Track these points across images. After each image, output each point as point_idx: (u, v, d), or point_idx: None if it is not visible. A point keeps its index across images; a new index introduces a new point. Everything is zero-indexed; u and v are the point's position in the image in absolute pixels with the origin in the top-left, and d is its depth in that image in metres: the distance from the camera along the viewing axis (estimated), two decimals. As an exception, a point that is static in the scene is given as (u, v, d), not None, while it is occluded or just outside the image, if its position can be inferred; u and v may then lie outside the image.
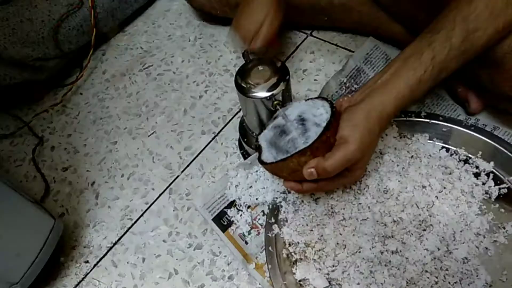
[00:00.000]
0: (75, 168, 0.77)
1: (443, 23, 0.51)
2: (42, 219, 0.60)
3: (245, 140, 0.68)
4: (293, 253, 0.55)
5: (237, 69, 0.60)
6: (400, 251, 0.52)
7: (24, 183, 0.76)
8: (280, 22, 0.68)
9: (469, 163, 0.58)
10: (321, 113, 0.53)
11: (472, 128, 0.59)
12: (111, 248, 0.66)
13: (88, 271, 0.64)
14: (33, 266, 0.58)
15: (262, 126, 0.60)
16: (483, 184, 0.56)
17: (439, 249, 0.51)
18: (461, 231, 0.52)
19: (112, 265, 0.64)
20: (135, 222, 0.68)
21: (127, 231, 0.67)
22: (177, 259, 0.63)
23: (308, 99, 0.55)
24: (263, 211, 0.62)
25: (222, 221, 0.62)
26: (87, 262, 0.65)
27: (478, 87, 0.63)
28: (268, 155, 0.54)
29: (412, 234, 0.53)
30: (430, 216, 0.54)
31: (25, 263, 0.57)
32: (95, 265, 0.65)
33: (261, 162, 0.53)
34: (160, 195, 0.70)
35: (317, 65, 0.82)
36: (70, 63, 0.92)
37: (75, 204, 0.72)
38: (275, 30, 0.68)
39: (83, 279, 0.64)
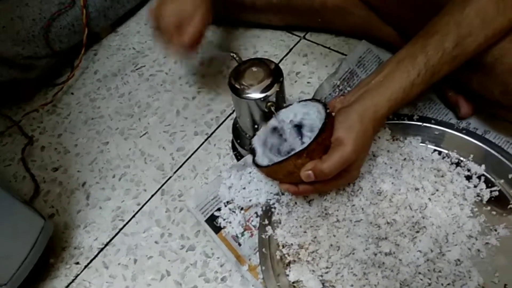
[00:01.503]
0: (66, 168, 0.76)
1: (436, 27, 0.52)
2: (32, 220, 0.59)
3: (238, 141, 0.68)
4: (286, 255, 0.55)
5: (230, 70, 0.60)
6: (394, 253, 0.52)
7: (13, 183, 0.75)
8: (211, 18, 0.64)
9: (461, 166, 0.58)
10: (314, 115, 0.54)
11: (464, 131, 0.60)
12: (102, 249, 0.65)
13: (78, 273, 0.63)
14: (22, 267, 0.57)
15: (256, 128, 0.60)
16: (475, 186, 0.57)
17: (432, 251, 0.52)
18: (453, 233, 0.53)
19: (103, 266, 0.63)
20: (127, 223, 0.67)
21: (118, 232, 0.67)
22: (169, 260, 0.62)
23: (302, 101, 0.56)
24: (256, 212, 0.61)
25: (215, 222, 0.62)
26: (77, 263, 0.64)
27: (468, 92, 0.64)
28: (262, 158, 0.54)
29: (405, 236, 0.53)
30: (423, 218, 0.54)
31: (14, 264, 0.56)
32: (85, 267, 0.64)
33: (256, 165, 0.53)
34: (152, 196, 0.70)
35: (310, 67, 0.82)
36: (61, 63, 0.91)
37: (66, 204, 0.71)
38: (205, 26, 0.63)
39: (73, 280, 0.63)
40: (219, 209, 0.63)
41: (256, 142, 0.56)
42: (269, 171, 0.52)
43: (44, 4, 0.84)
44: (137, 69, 0.89)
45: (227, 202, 0.63)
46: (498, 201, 0.56)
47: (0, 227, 0.55)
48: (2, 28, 0.79)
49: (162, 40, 0.65)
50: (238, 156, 0.70)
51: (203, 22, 0.63)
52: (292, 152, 0.49)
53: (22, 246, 0.57)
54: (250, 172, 0.63)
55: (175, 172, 0.72)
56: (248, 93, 0.56)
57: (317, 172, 0.48)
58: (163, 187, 0.70)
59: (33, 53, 0.83)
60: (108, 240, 0.66)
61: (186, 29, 0.62)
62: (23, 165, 0.77)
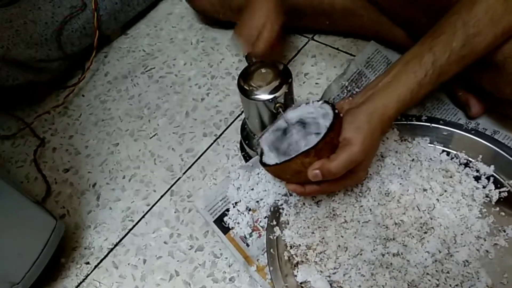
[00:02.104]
0: (77, 169, 0.77)
1: (444, 27, 0.51)
2: (44, 220, 0.60)
3: (247, 142, 0.68)
4: (294, 256, 0.56)
5: (239, 71, 0.61)
6: (402, 254, 0.52)
7: (26, 184, 0.76)
8: (280, 26, 0.69)
9: (469, 167, 0.58)
10: (322, 116, 0.54)
11: (473, 132, 0.59)
12: (112, 249, 0.66)
13: (88, 272, 0.64)
14: (34, 266, 0.58)
15: (264, 129, 0.60)
16: (484, 187, 0.56)
17: (440, 252, 0.51)
18: (462, 234, 0.53)
19: (113, 266, 0.64)
20: (136, 223, 0.68)
21: (128, 232, 0.67)
22: (178, 260, 0.63)
23: (309, 102, 0.56)
24: (265, 213, 0.62)
25: (223, 223, 0.62)
26: (88, 263, 0.65)
27: (478, 91, 0.64)
28: (270, 158, 0.54)
29: (413, 236, 0.53)
30: (431, 219, 0.54)
31: (26, 264, 0.57)
32: (96, 266, 0.65)
33: (263, 164, 0.53)
34: (161, 196, 0.70)
35: (318, 68, 0.82)
36: (72, 65, 0.93)
37: (76, 205, 0.72)
38: (275, 33, 0.68)
39: (83, 280, 0.64)
40: (227, 210, 0.63)
41: (264, 142, 0.56)
42: (277, 170, 0.53)
43: (56, 8, 0.85)
44: (147, 71, 0.90)
45: (236, 203, 0.63)
46: (507, 202, 0.55)
47: (12, 227, 0.56)
48: (15, 32, 0.80)
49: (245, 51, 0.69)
50: (247, 157, 0.70)
51: (272, 32, 0.67)
52: (300, 151, 0.49)
53: (34, 246, 0.58)
54: (258, 173, 0.63)
55: (184, 173, 0.73)
56: (256, 94, 0.57)
57: (324, 172, 0.48)
58: (172, 188, 0.71)
59: (45, 56, 0.84)
60: (118, 240, 0.67)
61: (259, 40, 0.66)
62: (35, 166, 0.78)
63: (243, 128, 0.70)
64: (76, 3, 0.87)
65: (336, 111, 0.51)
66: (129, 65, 0.92)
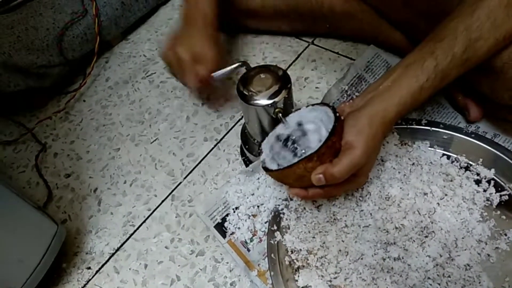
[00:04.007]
0: (78, 174, 0.77)
1: (445, 31, 0.52)
2: (45, 225, 0.60)
3: (247, 147, 0.68)
4: (295, 260, 0.56)
5: (239, 76, 0.61)
6: (402, 258, 0.52)
7: (27, 189, 0.77)
8: (220, 56, 0.68)
9: (470, 170, 0.58)
10: (323, 119, 0.54)
11: (473, 135, 0.59)
12: (113, 254, 0.66)
13: (90, 277, 0.64)
14: (36, 272, 0.58)
15: (264, 133, 0.60)
16: (484, 191, 0.56)
17: (441, 256, 0.51)
18: (463, 238, 0.53)
19: (114, 271, 0.64)
20: (138, 228, 0.68)
21: (129, 237, 0.67)
22: (179, 265, 0.63)
23: (310, 106, 0.56)
24: (265, 218, 0.62)
25: (224, 228, 0.63)
26: (89, 268, 0.65)
27: (478, 96, 0.64)
28: (271, 163, 0.54)
29: (414, 240, 0.53)
30: (432, 222, 0.54)
31: (27, 269, 0.57)
32: (97, 272, 0.65)
33: (266, 169, 0.54)
34: (162, 201, 0.71)
35: (318, 73, 0.82)
36: (73, 71, 0.93)
37: (78, 210, 0.72)
38: (217, 63, 0.68)
39: (85, 285, 0.64)
40: (228, 215, 0.63)
41: (265, 147, 0.56)
42: (279, 175, 0.53)
43: (58, 14, 0.86)
44: (147, 76, 0.91)
45: (236, 208, 0.63)
46: (508, 205, 0.55)
47: (14, 232, 0.56)
48: (17, 38, 0.81)
49: (179, 77, 0.70)
50: (247, 162, 0.70)
51: (216, 56, 0.67)
52: (302, 156, 0.49)
53: (35, 251, 0.58)
54: (258, 178, 0.63)
55: (185, 178, 0.73)
56: (256, 100, 0.57)
57: (327, 176, 0.48)
58: (173, 193, 0.71)
59: (47, 62, 0.84)
60: (119, 245, 0.67)
61: (201, 64, 0.66)
62: (36, 172, 0.78)
63: (243, 132, 0.70)
64: (77, 9, 0.88)
65: (337, 114, 0.51)
66: (130, 70, 0.93)
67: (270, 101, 0.56)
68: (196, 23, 0.69)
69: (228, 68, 0.66)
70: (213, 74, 0.68)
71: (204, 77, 0.67)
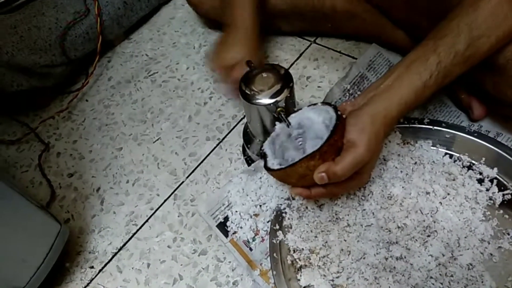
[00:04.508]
0: (81, 174, 0.77)
1: (447, 29, 0.51)
2: (48, 224, 0.61)
3: (249, 146, 0.68)
4: (297, 260, 0.56)
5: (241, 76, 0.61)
6: (405, 257, 0.52)
7: (30, 188, 0.77)
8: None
9: (472, 169, 0.58)
10: (323, 119, 0.54)
11: (475, 134, 0.59)
12: (116, 253, 0.66)
13: (93, 277, 0.64)
14: (39, 271, 0.58)
15: (266, 133, 0.60)
16: (487, 190, 0.56)
17: (443, 255, 0.51)
18: (465, 237, 0.53)
19: (117, 270, 0.64)
20: (140, 227, 0.68)
21: (132, 236, 0.68)
22: (181, 264, 0.63)
23: (311, 105, 0.56)
24: (268, 217, 0.62)
25: (226, 227, 0.63)
26: (92, 267, 0.65)
27: (481, 94, 0.63)
28: (273, 162, 0.54)
29: (416, 240, 0.53)
30: (434, 222, 0.54)
31: (31, 268, 0.57)
32: (100, 271, 0.65)
33: (268, 169, 0.53)
34: (165, 201, 0.71)
35: (320, 72, 0.82)
36: (76, 70, 0.93)
37: (81, 209, 0.72)
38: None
39: (88, 284, 0.64)
40: (230, 214, 0.63)
41: (267, 146, 0.56)
42: (282, 174, 0.53)
43: (60, 14, 0.86)
44: (150, 76, 0.91)
45: (238, 207, 0.63)
46: (511, 205, 0.55)
47: (17, 232, 0.57)
48: (19, 38, 0.81)
49: (219, 78, 0.71)
50: (249, 161, 0.70)
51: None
52: (304, 154, 0.49)
53: (39, 251, 0.59)
54: (260, 178, 0.63)
55: (187, 177, 0.73)
56: (258, 99, 0.57)
57: (330, 174, 0.48)
58: (175, 192, 0.71)
59: (49, 61, 0.85)
60: (121, 244, 0.67)
61: (237, 72, 0.65)
62: (39, 171, 0.79)
63: (245, 132, 0.70)
64: (80, 9, 0.88)
65: (339, 113, 0.51)
66: (132, 70, 0.93)
67: (272, 100, 0.56)
68: (238, 32, 0.71)
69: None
70: None
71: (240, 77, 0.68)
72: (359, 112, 0.51)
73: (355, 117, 0.51)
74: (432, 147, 0.61)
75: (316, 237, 0.56)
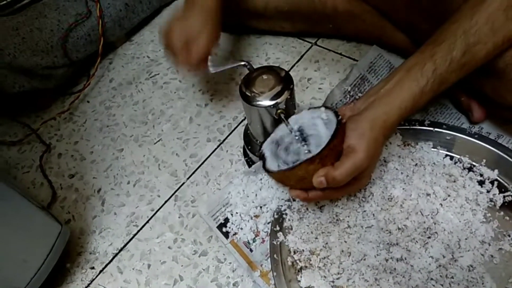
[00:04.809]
0: (82, 175, 0.77)
1: (445, 35, 0.52)
2: (49, 225, 0.61)
3: (250, 147, 0.69)
4: (298, 261, 0.56)
5: (242, 77, 0.61)
6: (405, 259, 0.52)
7: (32, 189, 0.77)
8: (219, 35, 0.67)
9: (473, 171, 0.58)
10: (323, 122, 0.54)
11: (476, 136, 0.59)
12: (116, 254, 0.66)
13: (94, 277, 0.65)
14: (40, 272, 0.58)
15: (266, 134, 0.60)
16: (488, 192, 0.56)
17: (444, 257, 0.51)
18: (466, 239, 0.52)
19: (117, 271, 0.65)
20: (141, 228, 0.68)
21: (132, 237, 0.68)
22: (182, 265, 0.63)
23: (312, 108, 0.56)
24: (268, 218, 0.62)
25: (226, 229, 0.63)
26: (93, 268, 0.65)
27: (481, 97, 0.63)
28: (272, 164, 0.54)
29: (417, 241, 0.53)
30: (435, 223, 0.54)
31: (31, 269, 0.57)
32: (100, 271, 0.65)
33: (267, 170, 0.54)
34: (165, 202, 0.71)
35: (321, 74, 0.82)
36: (77, 72, 0.94)
37: (82, 210, 0.72)
38: (211, 44, 0.66)
39: (88, 285, 0.64)
40: (230, 216, 0.63)
41: (266, 148, 0.56)
42: (281, 176, 0.53)
43: (62, 15, 0.86)
44: (151, 77, 0.91)
45: (239, 208, 0.63)
46: (512, 206, 0.55)
47: (18, 232, 0.57)
48: (22, 40, 0.81)
49: (171, 58, 0.68)
50: (250, 162, 0.70)
51: (208, 40, 0.65)
52: (304, 158, 0.49)
53: (40, 251, 0.59)
54: (261, 179, 0.63)
55: (188, 178, 0.73)
56: (258, 101, 0.57)
57: (329, 179, 0.48)
58: (176, 193, 0.71)
59: (51, 63, 0.85)
60: (122, 245, 0.67)
61: (192, 47, 0.64)
62: (41, 172, 0.79)
63: (246, 133, 0.70)
64: (81, 11, 0.88)
65: (339, 117, 0.51)
66: (134, 71, 0.93)
67: (273, 102, 0.56)
68: (195, 7, 0.67)
69: (229, 64, 0.66)
70: (211, 67, 0.66)
71: (194, 58, 0.65)
72: (359, 117, 0.51)
73: (355, 122, 0.51)
74: (432, 149, 0.61)
75: (316, 238, 0.56)
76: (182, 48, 0.65)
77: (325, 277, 0.53)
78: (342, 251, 0.54)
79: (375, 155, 0.52)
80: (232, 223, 0.63)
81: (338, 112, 0.52)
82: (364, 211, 0.56)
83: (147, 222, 0.69)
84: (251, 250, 0.60)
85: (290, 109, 0.58)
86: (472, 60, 0.51)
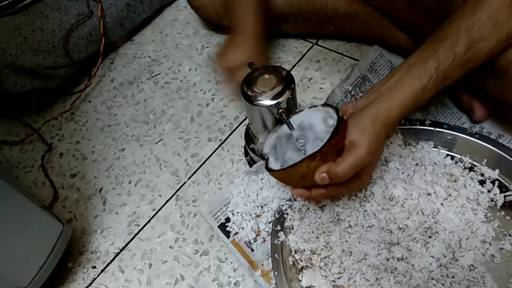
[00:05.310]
0: (83, 174, 0.78)
1: (447, 32, 0.52)
2: (51, 225, 0.61)
3: (251, 147, 0.69)
4: (299, 260, 0.56)
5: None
6: (406, 258, 0.52)
7: (33, 189, 0.77)
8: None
9: (474, 171, 0.58)
10: (324, 120, 0.54)
11: (477, 136, 0.59)
12: (118, 253, 0.67)
13: (95, 277, 0.65)
14: (42, 271, 0.58)
15: (268, 134, 0.60)
16: (489, 191, 0.56)
17: (445, 256, 0.51)
18: (467, 239, 0.53)
19: (119, 270, 0.65)
20: (142, 228, 0.69)
21: (134, 237, 0.68)
22: (183, 265, 0.63)
23: (313, 107, 0.56)
24: (269, 218, 0.62)
25: (227, 228, 0.63)
26: (94, 267, 0.66)
27: (483, 96, 0.63)
28: (274, 163, 0.55)
29: (417, 241, 0.53)
30: (436, 223, 0.54)
31: (33, 268, 0.58)
32: (102, 271, 0.65)
33: (269, 169, 0.54)
34: (167, 201, 0.71)
35: (322, 73, 0.82)
36: (79, 72, 0.94)
37: (83, 210, 0.73)
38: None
39: (90, 284, 0.64)
40: (232, 215, 0.63)
41: (267, 147, 0.57)
42: (282, 175, 0.53)
43: (64, 16, 0.86)
44: (152, 77, 0.91)
45: (240, 208, 0.63)
46: (513, 206, 0.55)
47: (20, 232, 0.57)
48: (23, 40, 0.81)
49: (223, 79, 0.72)
50: (251, 162, 0.71)
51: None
52: (305, 155, 0.49)
53: (41, 250, 0.59)
54: (262, 179, 0.63)
55: (189, 178, 0.73)
56: (260, 100, 0.57)
57: (331, 175, 0.48)
58: (177, 193, 0.72)
59: (53, 63, 0.85)
60: (124, 244, 0.67)
61: (240, 73, 0.66)
62: (42, 172, 0.79)
63: (247, 133, 0.70)
64: (83, 11, 0.88)
65: (340, 114, 0.51)
66: (135, 71, 0.93)
67: (274, 102, 0.56)
68: (243, 35, 0.72)
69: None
70: None
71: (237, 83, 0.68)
72: (361, 113, 0.51)
73: (357, 118, 0.51)
74: (433, 149, 0.61)
75: (317, 238, 0.56)
76: (232, 72, 0.69)
77: (326, 276, 0.54)
78: (343, 250, 0.54)
79: (377, 151, 0.52)
80: (233, 223, 0.63)
81: (338, 109, 0.52)
82: (365, 210, 0.56)
83: (149, 221, 0.69)
84: (252, 250, 0.60)
85: (291, 108, 0.58)
86: (476, 56, 0.51)
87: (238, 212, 0.63)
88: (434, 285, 0.50)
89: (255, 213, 0.62)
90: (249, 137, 0.69)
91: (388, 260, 0.53)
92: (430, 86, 0.51)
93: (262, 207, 0.62)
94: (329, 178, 0.48)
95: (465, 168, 0.58)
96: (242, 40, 0.71)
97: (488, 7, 0.50)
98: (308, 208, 0.59)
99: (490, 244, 0.52)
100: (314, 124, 0.55)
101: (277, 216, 0.59)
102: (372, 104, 0.52)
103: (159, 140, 0.80)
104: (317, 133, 0.55)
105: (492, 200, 0.56)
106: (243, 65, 0.65)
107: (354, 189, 0.57)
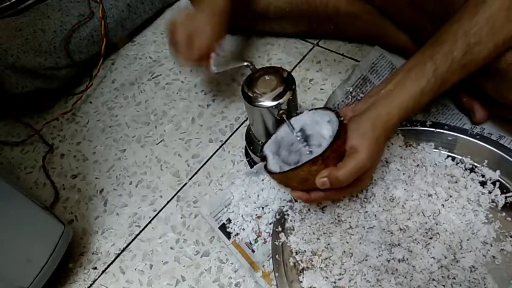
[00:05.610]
0: (84, 175, 0.78)
1: (445, 36, 0.52)
2: (52, 225, 0.61)
3: (252, 148, 0.69)
4: (300, 262, 0.56)
5: (244, 77, 0.61)
6: (407, 259, 0.52)
7: (34, 189, 0.77)
8: (224, 33, 0.66)
9: (475, 172, 0.58)
10: (325, 123, 0.54)
11: (478, 137, 0.59)
12: (119, 254, 0.67)
13: (96, 277, 0.65)
14: (43, 271, 0.58)
15: (268, 135, 0.60)
16: (490, 192, 0.56)
17: (446, 258, 0.51)
18: (468, 240, 0.52)
19: (120, 271, 0.65)
20: (143, 229, 0.69)
21: (135, 238, 0.68)
22: (184, 266, 0.63)
23: (313, 109, 0.56)
24: (270, 219, 0.62)
25: (228, 229, 0.63)
26: (95, 268, 0.66)
27: (483, 97, 0.63)
28: (274, 165, 0.55)
29: (418, 242, 0.53)
30: (437, 224, 0.54)
31: (35, 269, 0.58)
32: (103, 272, 0.65)
33: (269, 172, 0.54)
34: (168, 202, 0.71)
35: (323, 74, 0.82)
36: (80, 72, 0.94)
37: (84, 211, 0.73)
38: (214, 41, 0.65)
39: (91, 285, 0.64)
40: (232, 216, 0.63)
41: (268, 149, 0.57)
42: (283, 177, 0.53)
43: (65, 16, 0.87)
44: (153, 78, 0.91)
45: (241, 209, 0.63)
46: (514, 207, 0.55)
47: (21, 232, 0.57)
48: (25, 40, 0.82)
49: (174, 53, 0.68)
50: (251, 163, 0.71)
51: (211, 36, 0.65)
52: (307, 159, 0.49)
53: (42, 251, 0.59)
54: (263, 180, 0.63)
55: (190, 179, 0.73)
56: (260, 101, 0.57)
57: (332, 180, 0.48)
58: (178, 194, 0.72)
59: (54, 63, 0.85)
60: (124, 245, 0.67)
61: (195, 42, 0.64)
62: (43, 172, 0.79)
63: (248, 134, 0.70)
64: (84, 12, 0.89)
65: (341, 118, 0.51)
66: (136, 72, 0.93)
67: (275, 103, 0.56)
68: (202, 4, 0.67)
69: (232, 64, 0.66)
70: (213, 67, 0.66)
71: (196, 53, 0.64)
72: (360, 117, 0.51)
73: (356, 122, 0.51)
74: (434, 150, 0.61)
75: (318, 239, 0.56)
76: (185, 42, 0.65)
77: (327, 277, 0.54)
78: (344, 251, 0.54)
79: (377, 155, 0.52)
80: (234, 224, 0.63)
81: (339, 113, 0.52)
82: (366, 211, 0.56)
83: (149, 222, 0.69)
84: (253, 251, 0.60)
85: (292, 109, 0.58)
86: (473, 60, 0.51)
87: (239, 213, 0.63)
88: (435, 286, 0.50)
89: (256, 214, 0.62)
90: (250, 138, 0.69)
91: (389, 261, 0.52)
92: (428, 90, 0.51)
93: (263, 208, 0.62)
94: (330, 183, 0.48)
95: (466, 169, 0.58)
96: (205, 13, 0.66)
97: (486, 12, 0.50)
98: (309, 209, 0.59)
99: (491, 245, 0.52)
100: (315, 127, 0.55)
101: (278, 217, 0.59)
102: (372, 107, 0.52)
103: (160, 141, 0.80)
104: (318, 136, 0.55)
105: (493, 201, 0.55)
106: (200, 32, 0.62)
107: (354, 192, 0.57)
